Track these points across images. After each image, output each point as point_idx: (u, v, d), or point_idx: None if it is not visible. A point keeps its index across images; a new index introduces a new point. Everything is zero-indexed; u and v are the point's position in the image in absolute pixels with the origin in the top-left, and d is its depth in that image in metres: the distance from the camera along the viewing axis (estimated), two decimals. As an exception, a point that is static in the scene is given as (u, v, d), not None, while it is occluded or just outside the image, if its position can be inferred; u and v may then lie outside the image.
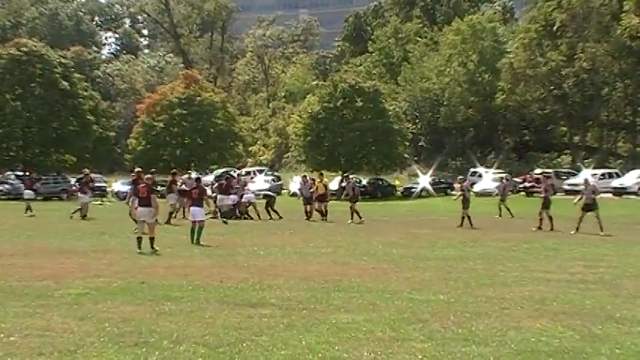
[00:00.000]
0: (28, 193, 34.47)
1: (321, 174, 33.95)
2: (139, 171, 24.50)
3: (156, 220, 18.01)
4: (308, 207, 30.42)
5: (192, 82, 66.93)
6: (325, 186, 30.99)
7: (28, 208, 32.17)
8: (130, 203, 23.28)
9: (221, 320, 9.33)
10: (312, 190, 30.76)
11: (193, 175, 38.84)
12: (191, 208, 20.37)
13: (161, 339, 8.31)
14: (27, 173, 37.17)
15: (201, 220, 19.75)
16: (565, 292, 11.73)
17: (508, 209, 32.26)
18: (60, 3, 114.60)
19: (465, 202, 26.57)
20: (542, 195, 25.77)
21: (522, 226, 26.25)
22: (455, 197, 27.30)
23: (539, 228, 24.52)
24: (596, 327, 9.08)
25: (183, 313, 9.83)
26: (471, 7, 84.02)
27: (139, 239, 17.21)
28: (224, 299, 10.86)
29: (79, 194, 31.30)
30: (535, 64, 62.24)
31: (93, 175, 60.96)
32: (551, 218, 24.69)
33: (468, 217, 26.16)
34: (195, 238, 19.26)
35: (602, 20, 59.79)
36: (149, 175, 19.14)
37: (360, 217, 28.86)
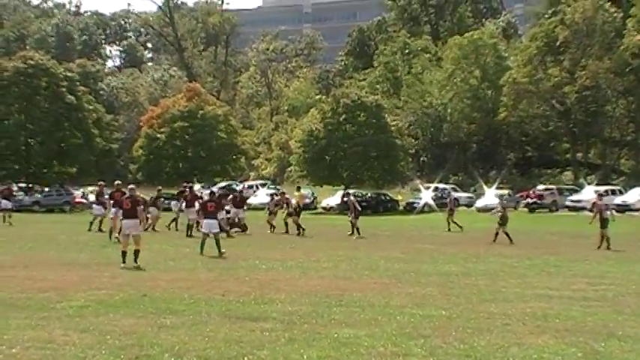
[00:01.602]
0: (5, 203, 34.80)
1: (298, 187, 34.05)
2: (119, 184, 25.19)
3: (153, 227, 18.01)
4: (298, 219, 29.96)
5: (195, 96, 67.10)
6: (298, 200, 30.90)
7: (7, 218, 32.62)
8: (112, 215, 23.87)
9: (222, 334, 9.32)
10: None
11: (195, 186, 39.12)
12: (205, 221, 20.63)
13: (162, 352, 8.30)
14: (5, 185, 37.35)
15: (217, 232, 20.22)
16: (567, 308, 11.71)
17: (456, 223, 32.67)
18: (66, 16, 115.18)
19: (504, 219, 26.42)
20: (596, 214, 25.07)
21: (524, 242, 26.18)
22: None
23: (600, 247, 23.81)
24: (599, 344, 9.05)
25: (185, 326, 9.83)
26: (475, 23, 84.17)
27: (124, 253, 16.98)
28: (226, 313, 10.85)
29: (94, 206, 31.19)
30: (538, 81, 62.31)
31: (92, 188, 61.35)
32: (608, 238, 24.05)
33: (505, 233, 25.96)
34: (217, 251, 19.64)
35: (605, 37, 59.89)
36: (132, 186, 19.03)
37: (353, 233, 28.79)
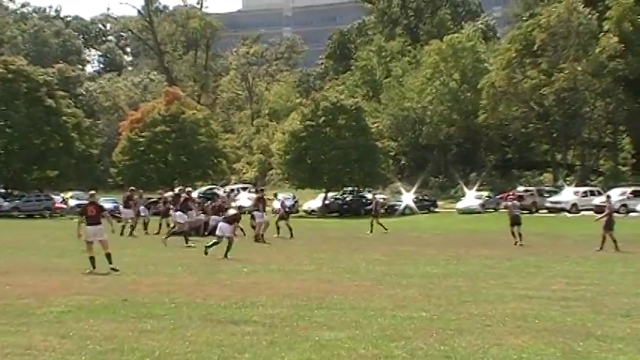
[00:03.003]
0: None
1: (256, 190, 34.39)
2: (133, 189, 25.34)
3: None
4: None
5: (174, 99, 66.83)
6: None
7: None
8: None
9: (204, 338, 9.31)
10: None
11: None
12: (219, 224, 21.12)
13: (143, 357, 8.28)
14: None
15: (230, 236, 20.50)
16: (547, 309, 11.79)
17: (381, 225, 33.55)
18: (42, 23, 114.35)
19: (515, 219, 26.60)
20: (605, 215, 24.94)
21: (504, 243, 26.32)
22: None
23: (617, 248, 23.43)
24: (578, 344, 9.13)
25: (166, 330, 9.80)
26: (455, 26, 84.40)
27: (92, 259, 16.68)
28: (207, 317, 10.83)
29: (123, 209, 31.02)
30: (516, 83, 62.68)
31: (71, 193, 60.99)
32: (605, 239, 23.68)
33: (519, 234, 26.10)
34: (224, 252, 19.98)
35: (580, 39, 60.35)
36: (92, 192, 18.80)
37: (292, 234, 28.86)
